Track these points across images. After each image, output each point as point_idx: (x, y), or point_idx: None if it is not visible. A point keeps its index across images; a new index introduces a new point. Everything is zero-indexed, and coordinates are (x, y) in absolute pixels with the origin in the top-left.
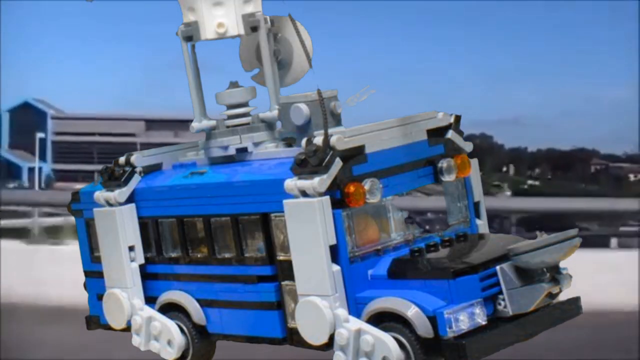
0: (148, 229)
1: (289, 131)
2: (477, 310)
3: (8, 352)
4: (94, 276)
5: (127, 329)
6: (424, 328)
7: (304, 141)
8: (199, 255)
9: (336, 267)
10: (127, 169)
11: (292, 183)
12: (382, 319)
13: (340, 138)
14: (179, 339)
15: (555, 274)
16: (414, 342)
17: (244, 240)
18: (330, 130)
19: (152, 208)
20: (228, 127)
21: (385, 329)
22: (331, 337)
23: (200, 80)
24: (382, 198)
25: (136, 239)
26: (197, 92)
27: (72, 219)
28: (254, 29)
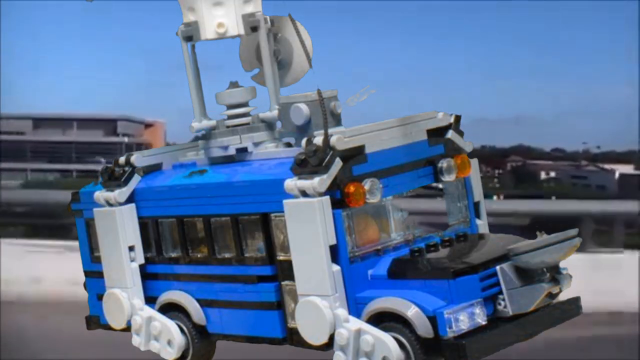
0: (148, 229)
1: (289, 131)
2: (477, 310)
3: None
4: (94, 276)
5: (127, 329)
6: (424, 328)
7: (304, 141)
8: (199, 255)
9: (336, 267)
10: (127, 169)
11: (292, 183)
12: (382, 319)
13: (340, 138)
14: (179, 339)
15: (555, 274)
16: (414, 342)
17: (244, 240)
18: (330, 130)
19: (152, 208)
20: (228, 127)
21: (385, 329)
22: (331, 337)
23: (200, 80)
24: (382, 198)
25: (136, 239)
26: (197, 92)
27: None
28: (254, 29)
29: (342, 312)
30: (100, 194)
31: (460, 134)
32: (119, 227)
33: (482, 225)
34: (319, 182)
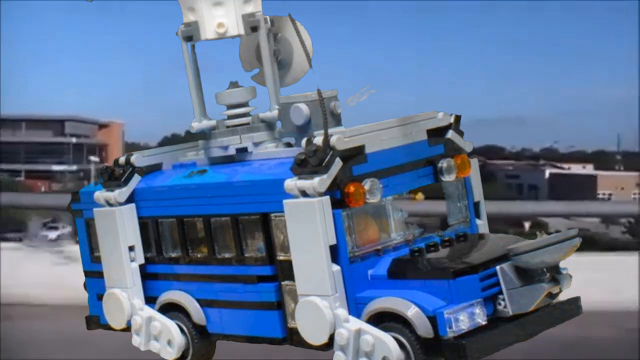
0: (148, 229)
1: (289, 131)
2: (477, 310)
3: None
4: (94, 276)
5: (127, 329)
6: (424, 328)
7: (304, 141)
8: (199, 255)
9: (336, 267)
10: (127, 168)
11: (292, 183)
12: (382, 319)
13: (340, 138)
14: (179, 339)
15: (555, 274)
16: (414, 342)
17: (244, 240)
18: (330, 130)
19: (152, 208)
20: (228, 127)
21: (385, 329)
22: (331, 337)
23: (200, 80)
24: (382, 198)
25: (136, 239)
26: (197, 92)
27: None
28: (254, 29)
29: (342, 312)
30: (100, 194)
31: (460, 134)
32: (119, 227)
33: (482, 225)
34: (319, 182)
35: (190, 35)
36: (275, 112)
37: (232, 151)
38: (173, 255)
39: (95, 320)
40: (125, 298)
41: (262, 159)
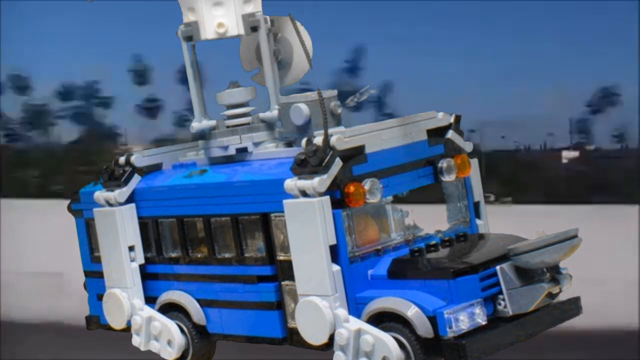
0: (148, 229)
1: (289, 131)
2: (477, 310)
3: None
4: (94, 276)
5: (127, 329)
6: (424, 328)
7: (304, 141)
8: (199, 255)
9: (336, 267)
10: (127, 168)
11: (292, 183)
12: (382, 319)
13: (340, 138)
14: (179, 339)
15: (555, 274)
16: (414, 342)
17: (244, 240)
18: (330, 130)
19: (152, 208)
20: (228, 127)
21: (385, 329)
22: (331, 337)
23: (200, 80)
24: (382, 198)
25: (136, 239)
26: (197, 92)
27: None
28: (254, 29)
29: (342, 312)
30: (100, 194)
31: (460, 134)
32: (119, 227)
33: (482, 225)
34: (319, 182)
35: (190, 35)
36: (275, 112)
37: (232, 151)
38: (173, 255)
39: (95, 321)
40: (125, 298)
41: (262, 159)
